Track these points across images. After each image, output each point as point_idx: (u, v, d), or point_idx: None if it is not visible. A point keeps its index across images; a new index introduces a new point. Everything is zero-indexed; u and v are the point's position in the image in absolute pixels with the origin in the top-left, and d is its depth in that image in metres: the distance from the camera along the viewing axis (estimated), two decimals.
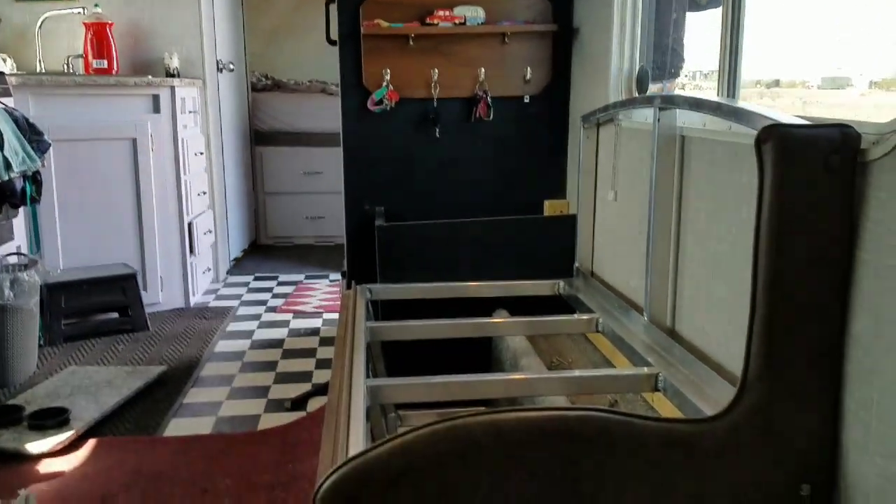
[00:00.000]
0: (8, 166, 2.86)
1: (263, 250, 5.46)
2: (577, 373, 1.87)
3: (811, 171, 1.13)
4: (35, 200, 3.15)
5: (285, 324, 3.79)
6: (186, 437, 2.52)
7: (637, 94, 2.42)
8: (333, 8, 2.94)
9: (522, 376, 1.75)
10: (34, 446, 2.36)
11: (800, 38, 1.80)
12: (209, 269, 4.43)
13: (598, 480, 1.16)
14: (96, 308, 3.55)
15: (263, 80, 5.97)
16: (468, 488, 1.13)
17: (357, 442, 1.32)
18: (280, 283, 4.57)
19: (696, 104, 1.65)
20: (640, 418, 1.18)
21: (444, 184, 3.00)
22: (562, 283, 2.42)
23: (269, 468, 2.28)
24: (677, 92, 2.29)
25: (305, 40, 6.11)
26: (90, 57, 4.01)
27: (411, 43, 2.85)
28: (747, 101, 1.76)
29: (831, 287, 1.16)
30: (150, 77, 3.79)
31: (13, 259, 3.10)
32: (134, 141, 3.69)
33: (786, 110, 1.48)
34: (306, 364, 3.23)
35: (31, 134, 3.04)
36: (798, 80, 1.88)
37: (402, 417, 2.31)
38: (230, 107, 4.96)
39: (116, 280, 3.54)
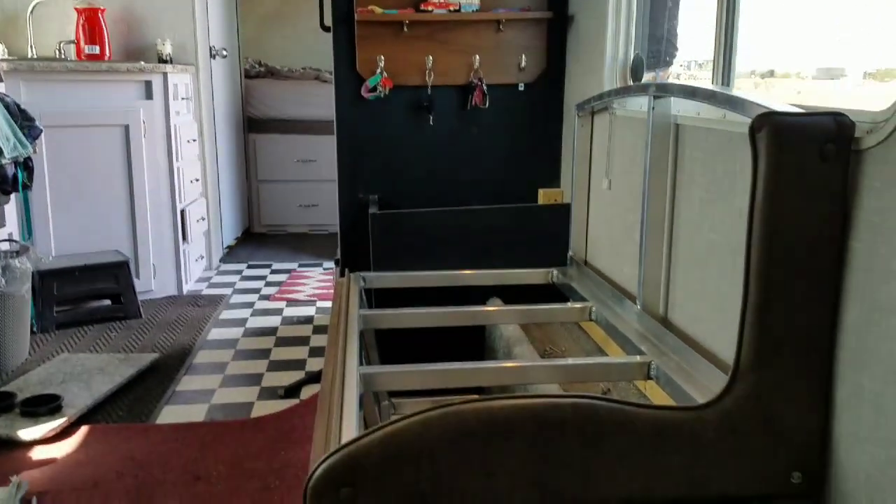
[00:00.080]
0: None
1: (257, 238, 5.45)
2: (569, 361, 1.87)
3: (805, 159, 1.13)
4: (27, 187, 3.13)
5: (279, 312, 3.79)
6: (179, 424, 2.52)
7: (632, 83, 2.42)
8: None
9: (515, 364, 1.75)
10: (26, 433, 2.36)
11: (795, 29, 1.79)
12: (202, 257, 4.42)
13: (589, 467, 1.16)
14: (89, 295, 3.54)
15: (257, 66, 5.94)
16: (460, 475, 1.13)
17: (350, 429, 1.32)
18: (273, 272, 4.56)
19: (691, 92, 1.65)
20: (631, 405, 1.18)
21: (438, 172, 2.99)
22: (555, 272, 2.42)
23: (261, 455, 2.28)
24: (671, 80, 2.29)
25: (299, 27, 6.08)
26: (82, 43, 3.98)
27: (406, 30, 2.84)
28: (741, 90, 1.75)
29: (824, 275, 1.16)
30: (142, 63, 3.77)
31: (5, 246, 3.09)
32: (126, 127, 3.67)
33: (780, 100, 1.48)
34: (300, 352, 3.23)
35: (22, 120, 3.02)
36: (793, 71, 1.88)
37: (396, 405, 2.31)
38: (223, 94, 4.93)
39: (109, 267, 3.53)
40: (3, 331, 2.88)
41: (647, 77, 2.39)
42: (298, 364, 3.08)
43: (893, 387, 1.06)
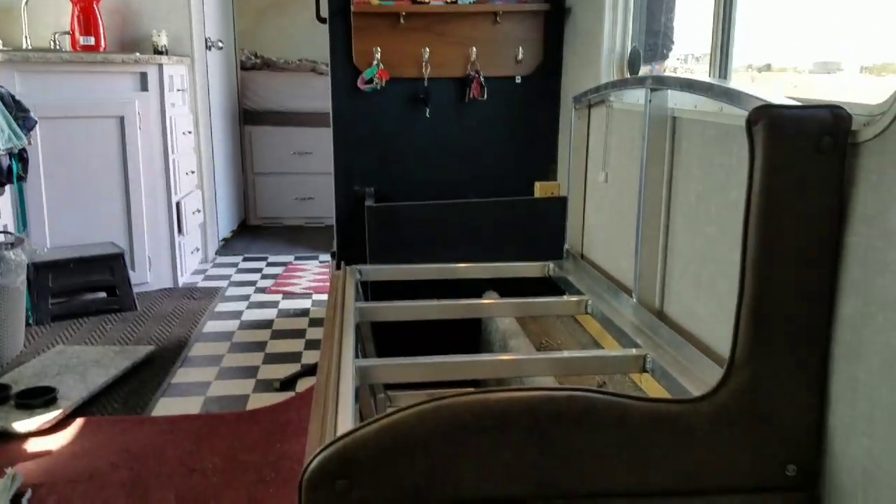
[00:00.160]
0: None
1: (253, 231, 5.44)
2: (565, 354, 1.87)
3: (802, 152, 1.13)
4: (21, 178, 3.12)
5: (274, 304, 3.78)
6: (175, 416, 2.51)
7: (629, 75, 2.41)
8: None
9: (511, 357, 1.75)
10: (21, 425, 2.35)
11: (791, 23, 1.79)
12: (198, 250, 4.41)
13: (585, 459, 1.16)
14: (84, 287, 3.53)
15: (252, 58, 5.91)
16: (456, 467, 1.13)
17: (346, 422, 1.32)
18: (269, 264, 4.56)
19: (688, 85, 1.64)
20: (627, 398, 1.18)
21: (435, 165, 2.99)
22: (552, 265, 2.42)
23: (257, 448, 2.28)
24: (667, 73, 2.29)
25: (295, 18, 6.06)
26: (77, 33, 3.96)
27: (402, 21, 2.83)
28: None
29: (820, 268, 1.16)
30: (137, 54, 3.75)
31: (0, 238, 3.08)
32: (121, 119, 3.65)
33: (777, 93, 1.48)
34: (295, 345, 3.23)
35: (16, 111, 3.01)
36: (789, 65, 1.87)
37: (392, 398, 2.31)
38: (219, 85, 4.91)
39: (104, 259, 3.52)
40: None
41: (644, 70, 2.38)
42: (294, 357, 3.08)
43: (889, 380, 1.06)
